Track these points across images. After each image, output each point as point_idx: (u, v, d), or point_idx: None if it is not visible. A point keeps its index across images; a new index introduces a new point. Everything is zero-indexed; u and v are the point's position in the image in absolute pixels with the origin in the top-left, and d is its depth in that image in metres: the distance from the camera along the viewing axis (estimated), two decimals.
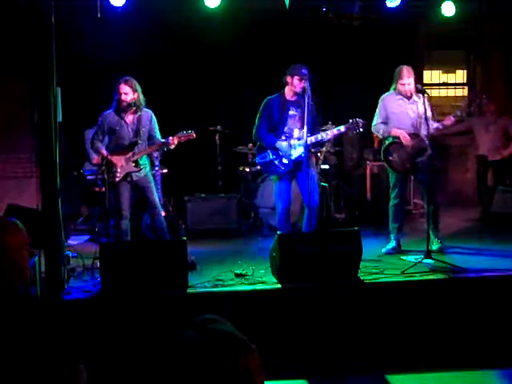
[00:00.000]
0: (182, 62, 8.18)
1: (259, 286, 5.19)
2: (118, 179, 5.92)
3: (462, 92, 9.89)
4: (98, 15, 6.11)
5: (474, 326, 5.00)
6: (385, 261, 5.89)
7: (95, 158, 7.33)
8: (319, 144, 6.56)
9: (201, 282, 5.25)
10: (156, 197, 6.09)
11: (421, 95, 6.06)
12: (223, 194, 7.62)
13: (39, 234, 5.09)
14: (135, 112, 5.99)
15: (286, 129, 6.10)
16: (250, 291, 5.11)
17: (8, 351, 1.52)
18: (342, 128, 6.06)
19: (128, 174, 5.94)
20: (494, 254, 6.09)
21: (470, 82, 9.82)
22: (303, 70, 5.94)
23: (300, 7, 7.23)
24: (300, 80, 5.93)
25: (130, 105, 5.92)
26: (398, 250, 6.30)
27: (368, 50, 8.58)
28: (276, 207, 6.26)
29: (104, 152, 5.97)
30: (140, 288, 4.99)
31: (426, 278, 5.34)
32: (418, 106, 6.14)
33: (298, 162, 6.03)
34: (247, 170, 7.81)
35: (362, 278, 5.31)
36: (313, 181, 6.00)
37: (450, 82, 9.83)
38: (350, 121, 6.01)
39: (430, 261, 5.65)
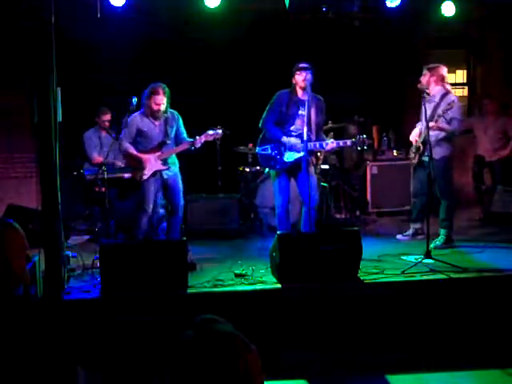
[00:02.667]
0: (182, 61, 8.18)
1: (259, 286, 5.19)
2: (145, 177, 6.07)
3: (462, 92, 9.88)
4: (98, 15, 6.11)
5: (473, 325, 5.00)
6: (385, 261, 5.89)
7: (95, 158, 7.35)
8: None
9: (201, 282, 5.25)
10: (181, 202, 6.21)
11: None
12: (223, 194, 7.62)
13: (39, 234, 5.09)
14: (162, 114, 6.10)
15: (292, 127, 6.11)
16: (249, 291, 5.11)
17: (6, 352, 1.52)
18: (349, 142, 6.15)
19: (156, 172, 6.08)
20: (494, 254, 6.09)
21: (470, 82, 9.82)
22: (301, 64, 6.01)
23: (300, 7, 7.22)
24: (300, 73, 5.97)
25: (161, 115, 6.05)
26: (410, 238, 6.77)
27: (368, 49, 8.58)
28: (275, 204, 6.26)
29: (133, 151, 6.10)
30: (140, 288, 4.99)
31: (426, 278, 5.34)
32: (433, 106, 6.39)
33: (297, 163, 6.04)
34: (247, 169, 7.81)
35: (361, 278, 5.31)
36: (312, 182, 6.02)
37: (450, 82, 9.81)
38: (358, 137, 6.11)
39: (430, 261, 5.65)
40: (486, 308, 5.11)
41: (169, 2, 7.33)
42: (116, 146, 6.76)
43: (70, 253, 5.63)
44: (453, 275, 5.36)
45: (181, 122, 6.22)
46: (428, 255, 5.69)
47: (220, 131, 6.20)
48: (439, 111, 6.27)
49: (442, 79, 6.51)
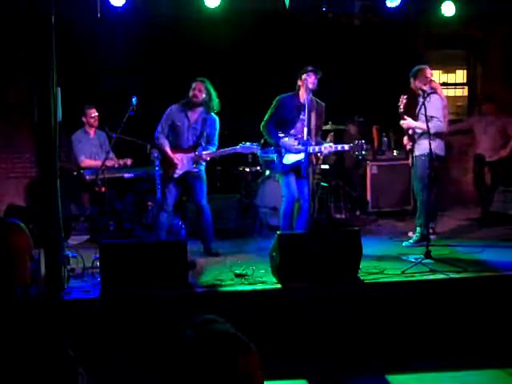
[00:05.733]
0: (182, 61, 8.17)
1: (259, 286, 5.19)
2: (176, 175, 6.14)
3: (462, 92, 9.88)
4: (98, 15, 6.11)
5: (473, 325, 5.00)
6: (385, 261, 5.89)
7: (83, 161, 7.28)
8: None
9: (201, 282, 5.25)
10: (205, 200, 6.26)
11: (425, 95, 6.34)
12: (223, 194, 7.62)
13: (39, 234, 5.09)
14: (201, 113, 6.16)
15: (292, 131, 6.19)
16: (249, 291, 5.12)
17: (6, 353, 1.52)
18: (346, 147, 6.20)
19: (187, 172, 6.15)
20: (494, 254, 6.09)
21: (470, 82, 9.82)
22: (310, 67, 6.08)
23: (300, 7, 7.22)
24: (310, 75, 6.04)
25: (199, 103, 6.12)
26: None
27: (368, 49, 8.58)
28: (283, 199, 6.27)
29: (168, 150, 6.15)
30: (140, 288, 4.98)
31: (425, 278, 5.35)
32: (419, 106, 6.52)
33: (297, 165, 6.14)
34: (247, 170, 7.81)
35: (361, 278, 5.31)
36: (309, 184, 6.13)
37: (450, 82, 9.82)
38: (356, 142, 6.15)
39: (429, 261, 5.65)
40: (485, 308, 5.11)
41: (169, 2, 7.33)
42: (111, 145, 6.73)
43: (70, 253, 5.62)
44: (453, 275, 5.37)
45: (217, 128, 6.25)
46: (428, 255, 5.69)
47: (256, 147, 6.21)
48: (422, 110, 6.33)
49: (427, 80, 6.53)
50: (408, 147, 6.69)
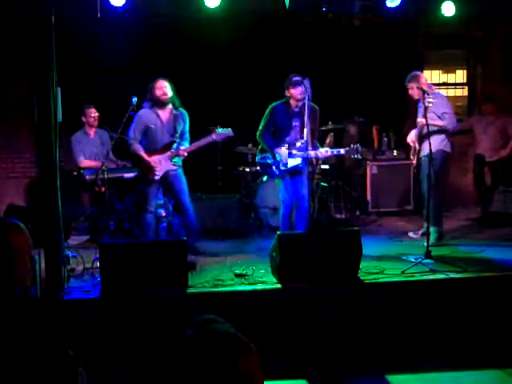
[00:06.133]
0: (182, 61, 8.17)
1: (259, 286, 5.19)
2: (157, 177, 6.13)
3: (462, 92, 9.88)
4: (98, 15, 6.11)
5: (473, 325, 5.00)
6: (385, 261, 5.89)
7: (83, 161, 7.28)
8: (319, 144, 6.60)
9: (201, 282, 5.25)
10: (188, 198, 6.26)
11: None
12: (223, 194, 7.62)
13: (39, 234, 5.09)
14: (171, 111, 6.15)
15: (287, 138, 6.24)
16: (250, 291, 5.12)
17: (6, 353, 1.52)
18: (342, 151, 6.27)
19: (166, 172, 6.13)
20: (494, 254, 6.09)
21: (470, 82, 9.82)
22: (295, 78, 6.09)
23: (300, 7, 7.22)
24: (296, 88, 6.05)
25: (168, 102, 6.10)
26: (419, 237, 6.79)
27: (368, 49, 8.58)
28: (281, 203, 6.33)
29: (143, 154, 6.14)
30: (140, 288, 4.98)
31: (425, 278, 5.35)
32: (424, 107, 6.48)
33: (294, 170, 6.20)
34: (247, 170, 7.80)
35: (361, 278, 5.31)
36: (309, 184, 6.18)
37: (450, 82, 9.82)
38: (352, 146, 6.21)
39: (429, 261, 5.65)
40: (486, 308, 5.11)
41: (169, 2, 7.33)
42: (112, 144, 6.73)
43: (70, 253, 5.62)
44: (453, 275, 5.37)
45: (187, 123, 6.25)
46: (428, 255, 5.69)
47: (230, 130, 6.22)
48: (430, 109, 6.34)
49: (426, 83, 6.63)
50: (416, 147, 6.69)
